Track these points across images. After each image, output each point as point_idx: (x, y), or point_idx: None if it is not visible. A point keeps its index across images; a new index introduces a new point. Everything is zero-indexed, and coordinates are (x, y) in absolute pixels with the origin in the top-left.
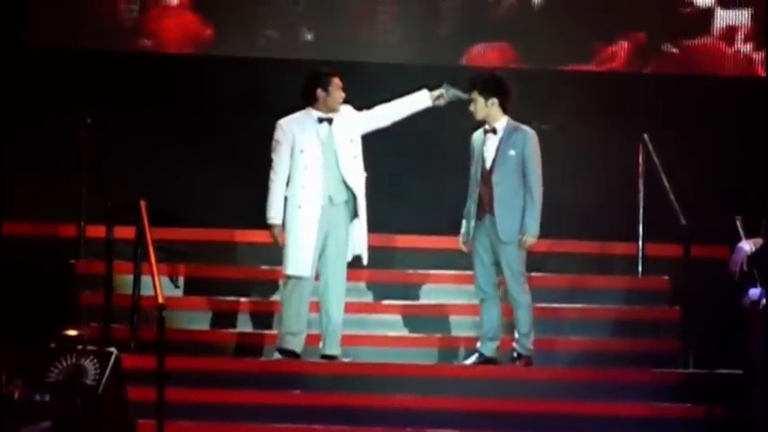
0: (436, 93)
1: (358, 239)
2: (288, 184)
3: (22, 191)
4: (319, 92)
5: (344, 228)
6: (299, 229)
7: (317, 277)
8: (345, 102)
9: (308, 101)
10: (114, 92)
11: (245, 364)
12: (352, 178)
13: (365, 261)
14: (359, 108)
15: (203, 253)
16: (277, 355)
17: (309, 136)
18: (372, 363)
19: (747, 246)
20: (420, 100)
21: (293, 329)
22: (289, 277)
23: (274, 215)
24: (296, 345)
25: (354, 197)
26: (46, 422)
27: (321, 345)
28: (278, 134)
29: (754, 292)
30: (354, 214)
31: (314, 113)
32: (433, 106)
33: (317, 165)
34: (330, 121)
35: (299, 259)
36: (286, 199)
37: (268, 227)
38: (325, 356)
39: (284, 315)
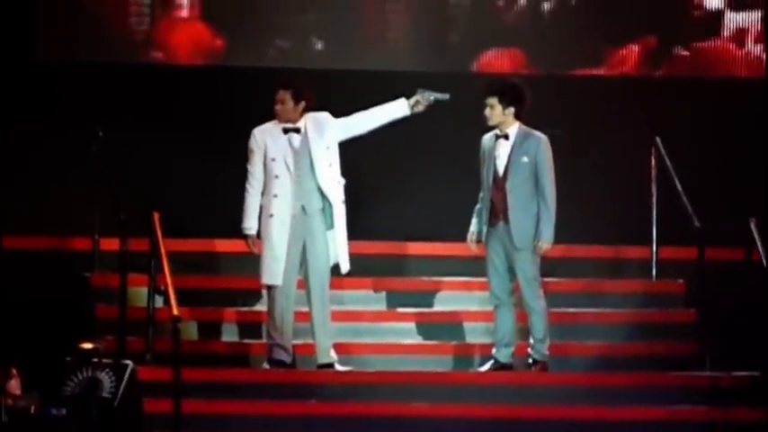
0: (412, 100)
1: (335, 248)
2: (263, 193)
3: (35, 205)
4: None
5: (322, 236)
6: (272, 238)
7: (300, 286)
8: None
9: None
10: (126, 105)
11: (261, 375)
12: (328, 186)
13: (343, 270)
14: None
15: (217, 263)
16: (266, 366)
17: (280, 144)
18: (387, 371)
19: None
20: (398, 108)
21: (276, 339)
22: (268, 287)
23: (249, 225)
24: (283, 355)
25: (330, 205)
26: None
27: (316, 354)
28: (251, 143)
29: None
30: (331, 223)
31: (279, 123)
32: (413, 113)
33: (288, 173)
34: (297, 130)
35: (272, 268)
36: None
37: (243, 236)
38: (320, 366)
39: (268, 325)
